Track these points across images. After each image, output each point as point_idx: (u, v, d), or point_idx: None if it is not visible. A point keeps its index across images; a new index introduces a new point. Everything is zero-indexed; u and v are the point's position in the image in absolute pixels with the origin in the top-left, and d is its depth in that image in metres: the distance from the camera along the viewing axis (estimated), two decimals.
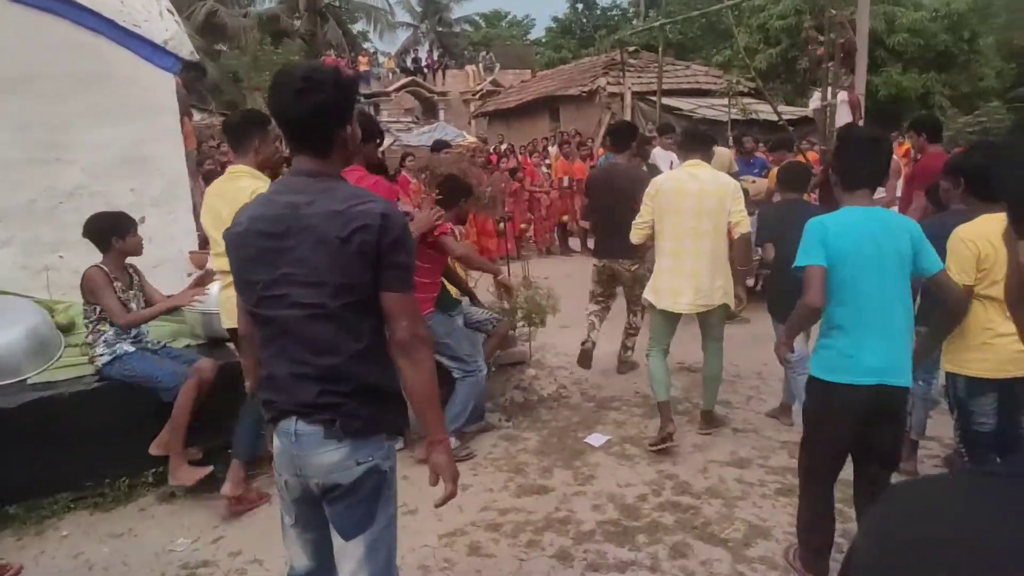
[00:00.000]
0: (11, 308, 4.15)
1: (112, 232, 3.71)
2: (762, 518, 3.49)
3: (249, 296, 1.93)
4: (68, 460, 3.65)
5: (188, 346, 4.33)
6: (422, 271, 3.81)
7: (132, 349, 3.78)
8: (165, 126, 5.38)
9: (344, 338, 1.85)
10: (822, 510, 2.91)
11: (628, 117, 15.19)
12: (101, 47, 5.11)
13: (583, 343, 5.54)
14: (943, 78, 21.98)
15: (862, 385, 2.64)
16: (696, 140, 4.48)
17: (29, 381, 3.80)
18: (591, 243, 11.49)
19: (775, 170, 7.12)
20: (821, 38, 9.57)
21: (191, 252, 5.21)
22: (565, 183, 11.59)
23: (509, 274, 5.50)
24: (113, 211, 3.84)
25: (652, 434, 4.34)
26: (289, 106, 1.82)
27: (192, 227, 5.32)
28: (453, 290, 4.61)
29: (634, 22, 29.01)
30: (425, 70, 32.36)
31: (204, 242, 4.63)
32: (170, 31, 5.43)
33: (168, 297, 3.95)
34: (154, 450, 3.69)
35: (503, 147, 14.49)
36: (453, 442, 3.87)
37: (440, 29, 39.90)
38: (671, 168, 6.12)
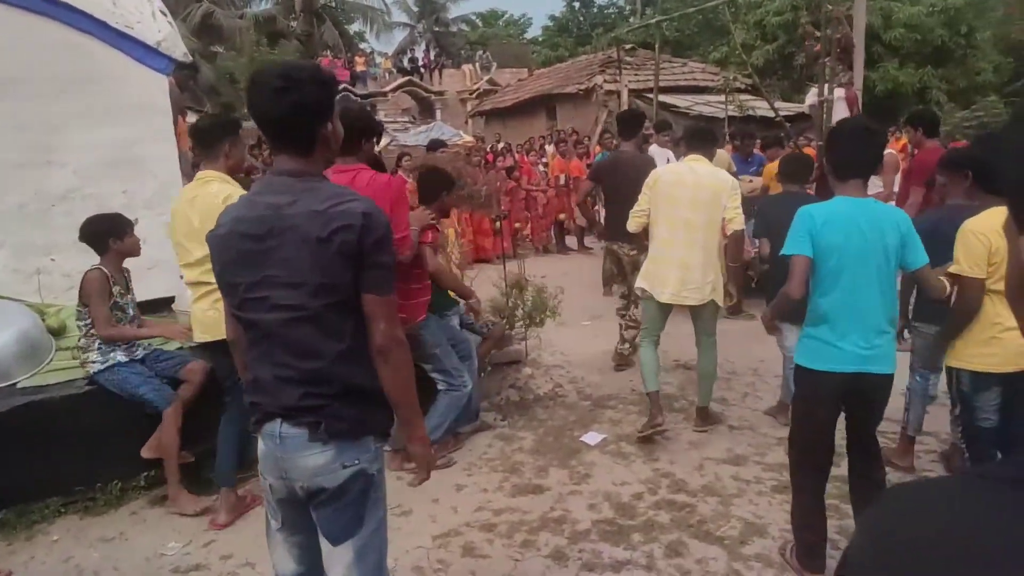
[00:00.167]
0: (1, 312, 4.12)
1: (109, 234, 3.68)
2: (758, 515, 3.46)
3: (233, 299, 1.91)
4: (59, 464, 3.63)
5: (180, 348, 4.29)
6: (414, 276, 3.78)
7: (125, 359, 3.72)
8: (158, 127, 5.36)
9: (326, 340, 1.82)
10: (813, 504, 2.91)
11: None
12: (93, 49, 5.09)
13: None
14: (940, 73, 21.93)
15: (847, 373, 2.71)
16: (699, 138, 4.50)
17: (19, 385, 3.77)
18: (587, 241, 11.55)
19: (769, 166, 7.11)
20: (818, 34, 9.56)
21: None
22: (562, 181, 11.56)
23: (505, 272, 5.50)
24: (109, 213, 3.80)
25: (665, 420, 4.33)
26: (269, 105, 1.79)
27: None
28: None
29: (631, 19, 29.03)
30: (422, 70, 32.29)
31: None
32: (163, 32, 5.41)
33: (158, 325, 3.94)
34: (146, 453, 3.66)
35: (500, 146, 14.48)
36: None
37: (437, 29, 39.86)
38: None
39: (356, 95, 25.48)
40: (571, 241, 11.92)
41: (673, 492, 3.72)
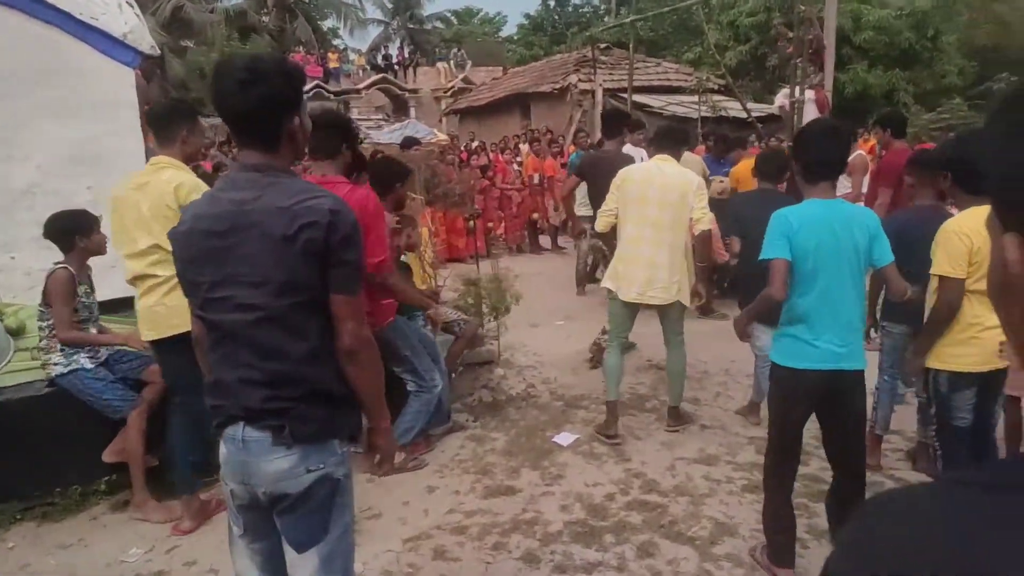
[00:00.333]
0: None
1: (75, 231, 3.56)
2: (729, 515, 3.47)
3: (195, 298, 1.87)
4: (16, 469, 3.52)
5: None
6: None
7: (90, 365, 3.59)
8: (124, 122, 5.23)
9: (291, 341, 1.78)
10: (785, 505, 2.93)
11: (599, 114, 15.19)
12: (57, 40, 4.94)
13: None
14: (907, 75, 22.31)
15: (822, 370, 2.76)
16: (668, 138, 4.51)
17: None
18: (561, 241, 11.55)
19: (735, 168, 7.16)
20: (790, 35, 9.66)
21: None
22: (536, 180, 11.55)
23: (479, 272, 5.46)
24: (74, 209, 3.68)
25: (620, 432, 4.33)
26: (233, 99, 1.74)
27: None
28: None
29: (605, 19, 29.12)
30: (396, 67, 32.12)
31: None
32: (129, 24, 5.28)
33: (120, 333, 3.84)
34: (108, 457, 3.57)
35: (474, 144, 14.41)
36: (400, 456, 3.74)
37: (411, 26, 39.64)
38: None
39: (329, 92, 25.27)
40: (545, 241, 11.91)
41: (645, 492, 3.71)
